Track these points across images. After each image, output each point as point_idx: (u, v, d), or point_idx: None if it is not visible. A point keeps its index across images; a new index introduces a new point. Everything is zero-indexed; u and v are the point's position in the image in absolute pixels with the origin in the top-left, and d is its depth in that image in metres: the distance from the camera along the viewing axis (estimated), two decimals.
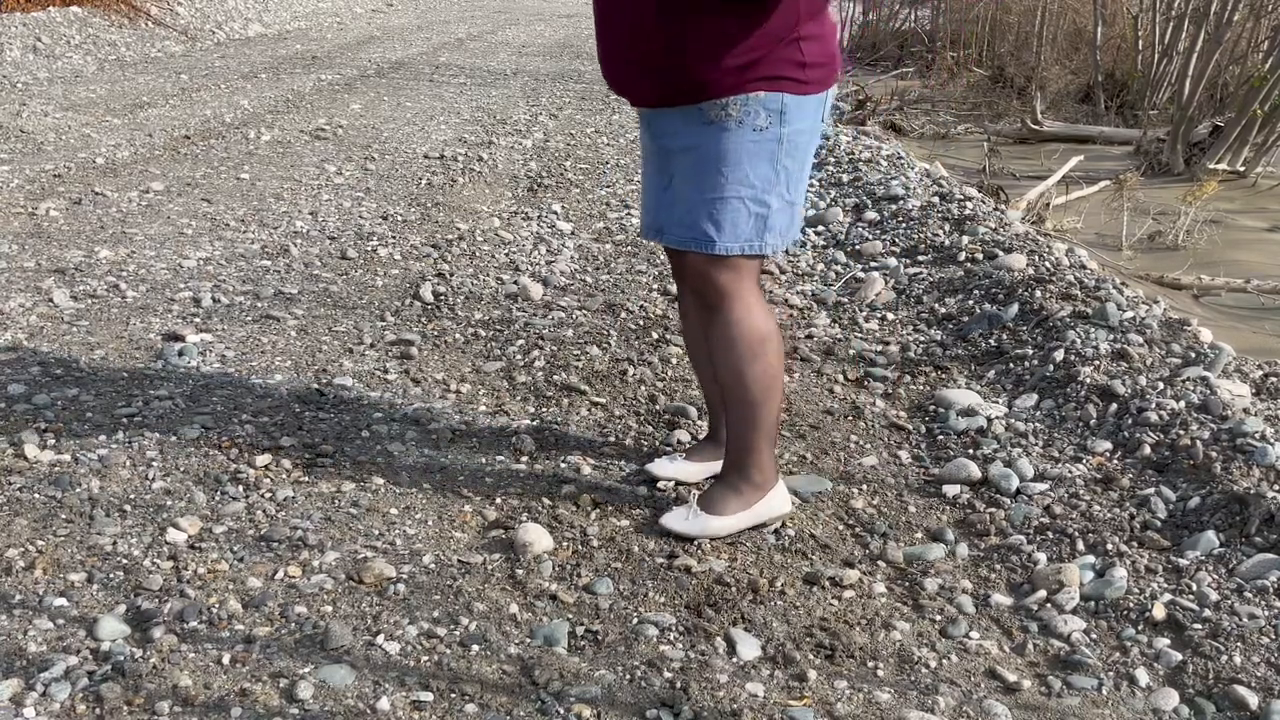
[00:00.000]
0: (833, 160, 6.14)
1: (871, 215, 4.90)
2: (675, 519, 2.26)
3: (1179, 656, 1.94)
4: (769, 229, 2.10)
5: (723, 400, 2.28)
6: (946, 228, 4.58)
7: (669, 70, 2.00)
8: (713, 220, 2.07)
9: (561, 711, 1.73)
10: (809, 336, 3.53)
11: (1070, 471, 2.59)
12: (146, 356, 3.11)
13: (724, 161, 2.04)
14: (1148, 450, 2.63)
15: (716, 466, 2.40)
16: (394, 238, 4.46)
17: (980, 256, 4.13)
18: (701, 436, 2.64)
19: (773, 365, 2.18)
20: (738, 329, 2.14)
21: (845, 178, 5.69)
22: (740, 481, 2.25)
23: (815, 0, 2.00)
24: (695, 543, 2.24)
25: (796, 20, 1.98)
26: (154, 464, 2.48)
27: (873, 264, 4.28)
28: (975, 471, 2.59)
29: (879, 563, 2.24)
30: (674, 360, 3.24)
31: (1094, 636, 2.01)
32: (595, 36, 2.14)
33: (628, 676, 1.83)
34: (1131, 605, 2.08)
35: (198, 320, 3.41)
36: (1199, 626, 2.00)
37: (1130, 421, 2.76)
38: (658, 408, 2.93)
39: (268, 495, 2.37)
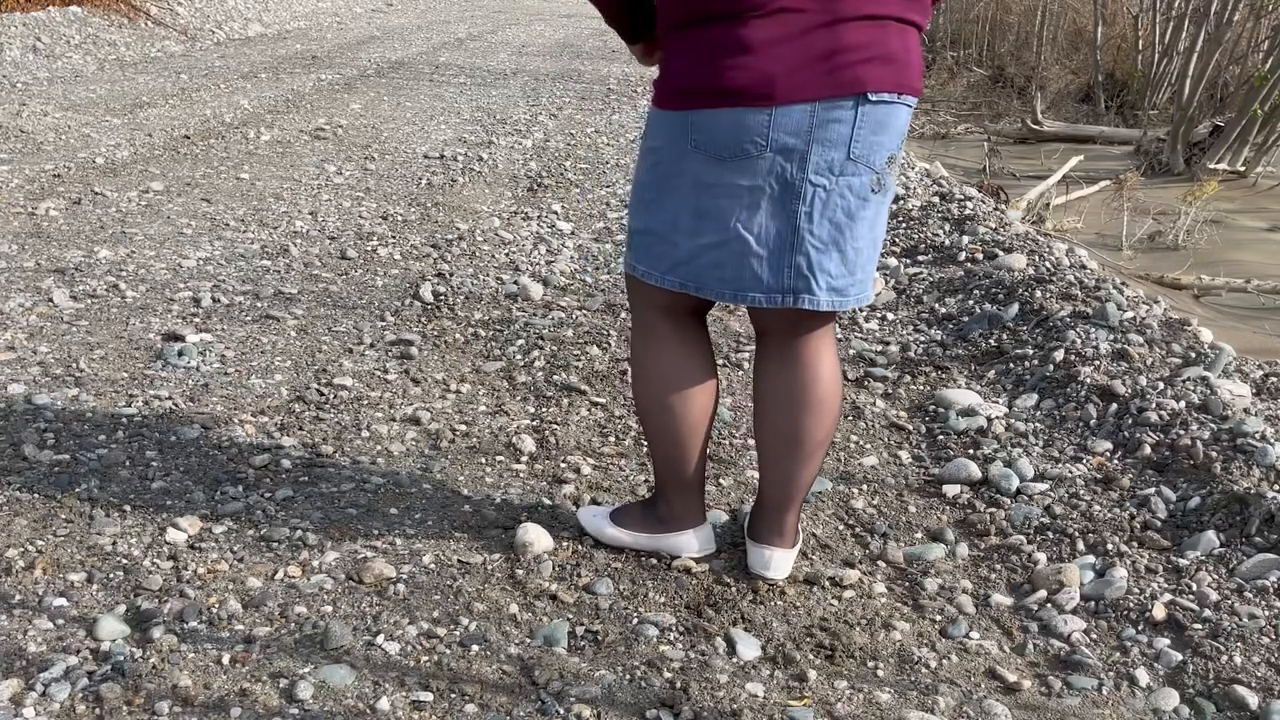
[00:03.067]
0: None
1: None
2: (586, 511, 2.27)
3: (1179, 656, 1.94)
4: (630, 247, 1.99)
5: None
6: (946, 228, 4.58)
7: None
8: None
9: (561, 711, 1.73)
10: None
11: (1070, 471, 2.59)
12: (146, 356, 3.11)
13: None
14: (1148, 450, 2.63)
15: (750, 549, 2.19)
16: (394, 238, 4.46)
17: (980, 256, 4.13)
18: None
19: (657, 408, 2.02)
20: (631, 357, 2.07)
21: None
22: (649, 506, 2.19)
23: (687, 8, 1.77)
24: None
25: (664, 28, 1.84)
26: (154, 464, 2.48)
27: None
28: (975, 471, 2.59)
29: (879, 563, 2.24)
30: None
31: (1094, 636, 2.01)
32: None
33: (628, 676, 1.83)
34: (1131, 605, 2.08)
35: (197, 320, 3.41)
36: (1199, 626, 2.00)
37: (1130, 421, 2.76)
38: None
39: (268, 495, 2.37)
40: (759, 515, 2.12)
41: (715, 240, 1.85)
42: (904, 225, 4.70)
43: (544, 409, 2.89)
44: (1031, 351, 3.23)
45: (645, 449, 2.19)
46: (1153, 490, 2.46)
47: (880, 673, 1.88)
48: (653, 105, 1.90)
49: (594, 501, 2.41)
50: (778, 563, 2.10)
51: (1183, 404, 2.78)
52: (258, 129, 6.56)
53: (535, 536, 2.18)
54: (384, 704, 1.73)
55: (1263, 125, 8.03)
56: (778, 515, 2.09)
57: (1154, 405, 2.78)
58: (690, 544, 2.16)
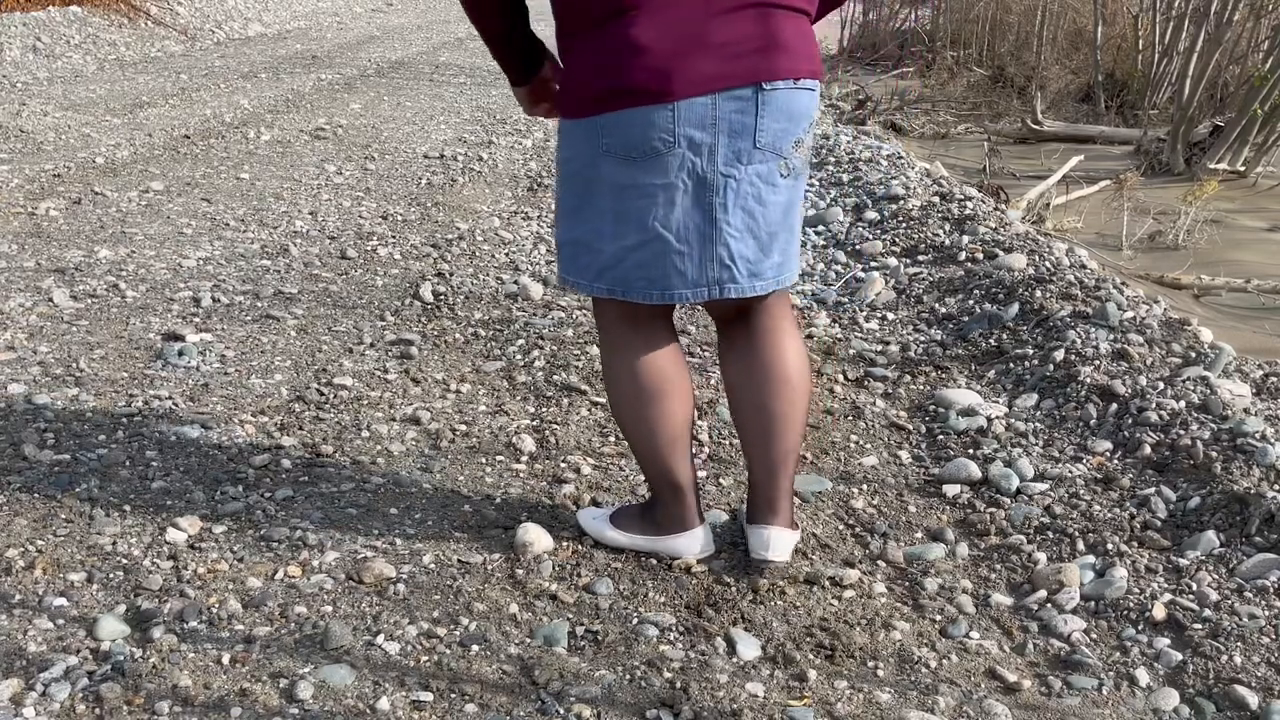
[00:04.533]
0: (833, 160, 6.14)
1: (871, 215, 4.90)
2: (586, 513, 2.27)
3: (1179, 656, 1.94)
4: (560, 259, 1.99)
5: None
6: (946, 228, 4.58)
7: None
8: None
9: (561, 711, 1.73)
10: (809, 336, 3.53)
11: (1070, 471, 2.59)
12: (146, 356, 3.11)
13: None
14: (1148, 450, 2.63)
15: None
16: (394, 237, 4.46)
17: (980, 256, 4.13)
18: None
19: (636, 416, 2.02)
20: (604, 370, 2.06)
21: (845, 177, 5.69)
22: (646, 510, 2.19)
23: (577, 12, 1.80)
24: None
25: (562, 38, 1.87)
26: (154, 464, 2.48)
27: (873, 264, 4.28)
28: (975, 471, 2.59)
29: (879, 563, 2.24)
30: None
31: (1094, 636, 2.01)
32: None
33: (628, 676, 1.83)
34: (1131, 605, 2.08)
35: (197, 320, 3.41)
36: (1199, 626, 2.00)
37: (1130, 421, 2.76)
38: None
39: (268, 495, 2.37)
40: (752, 500, 2.14)
41: (636, 241, 1.87)
42: (904, 225, 4.70)
43: (544, 409, 2.89)
44: (1031, 351, 3.23)
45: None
46: (1153, 490, 2.46)
47: (880, 673, 1.88)
48: (560, 117, 1.92)
49: (594, 502, 2.41)
50: (776, 541, 2.09)
51: (1183, 404, 2.78)
52: (258, 129, 6.56)
53: (535, 536, 2.18)
54: (384, 704, 1.73)
55: (1263, 125, 8.02)
56: (767, 494, 2.10)
57: (1154, 405, 2.78)
58: (689, 546, 2.16)
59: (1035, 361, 3.17)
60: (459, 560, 2.15)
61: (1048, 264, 3.97)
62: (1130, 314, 3.37)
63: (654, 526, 2.16)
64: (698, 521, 2.16)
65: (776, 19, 1.80)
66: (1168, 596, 2.09)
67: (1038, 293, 3.59)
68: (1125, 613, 2.06)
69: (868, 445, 2.79)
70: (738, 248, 1.89)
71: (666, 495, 2.12)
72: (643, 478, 2.52)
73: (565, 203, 1.95)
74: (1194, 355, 3.10)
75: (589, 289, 1.96)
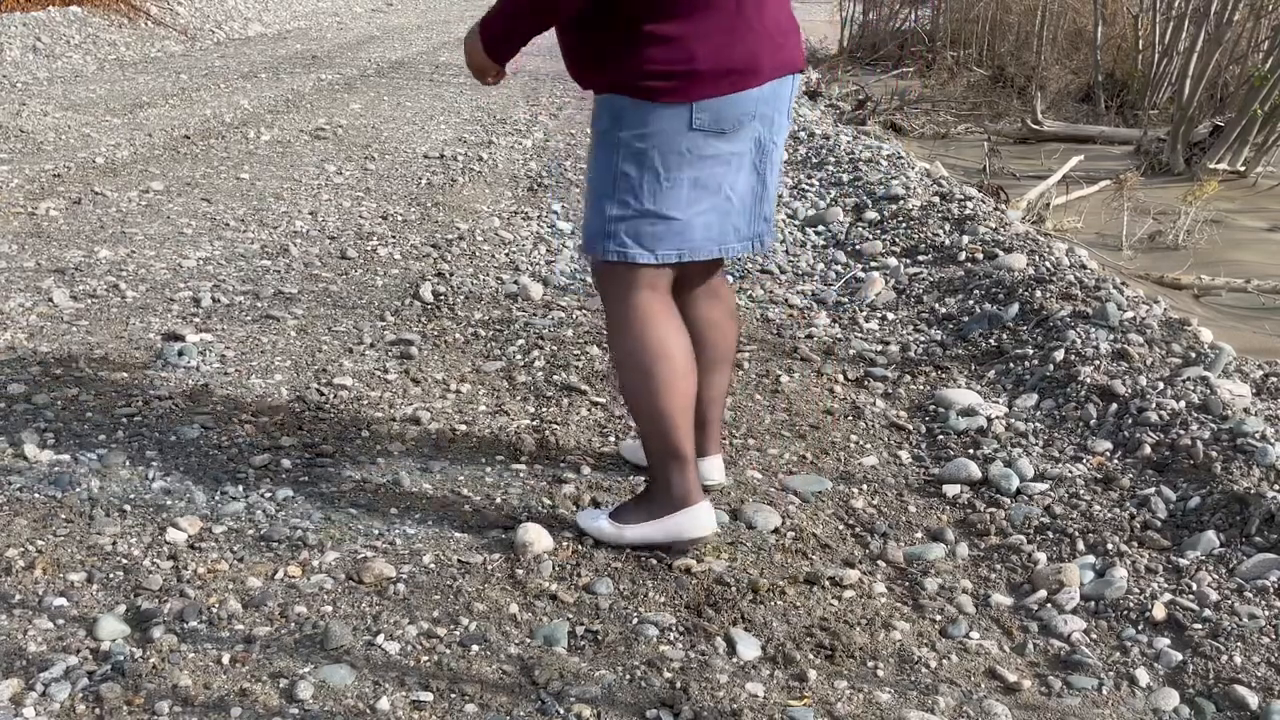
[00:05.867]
0: (833, 160, 6.14)
1: (871, 215, 4.90)
2: (586, 515, 2.27)
3: (1179, 656, 1.94)
4: (607, 235, 2.04)
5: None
6: (946, 228, 4.58)
7: (571, 62, 2.11)
8: (584, 220, 2.15)
9: (561, 711, 1.73)
10: (809, 336, 3.53)
11: (1070, 471, 2.59)
12: (146, 356, 3.11)
13: (588, 162, 2.13)
14: (1148, 450, 2.63)
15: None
16: (394, 237, 4.46)
17: (980, 256, 4.13)
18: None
19: (667, 376, 2.07)
20: (628, 345, 2.08)
21: (845, 178, 5.69)
22: (649, 494, 2.20)
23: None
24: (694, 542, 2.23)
25: (638, 18, 1.92)
26: (154, 464, 2.48)
27: (873, 264, 4.28)
28: (975, 471, 2.59)
29: (879, 563, 2.24)
30: None
31: (1094, 636, 2.01)
32: None
33: (628, 676, 1.83)
34: (1131, 605, 2.08)
35: (198, 320, 3.41)
36: (1199, 626, 2.00)
37: (1130, 421, 2.76)
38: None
39: (268, 495, 2.37)
40: (707, 433, 2.35)
41: (708, 206, 2.07)
42: (904, 225, 4.70)
43: (544, 409, 2.89)
44: (1031, 351, 3.23)
45: (639, 436, 2.19)
46: (1153, 490, 2.46)
47: (880, 673, 1.88)
48: (629, 98, 1.98)
49: (594, 503, 2.40)
50: (721, 467, 2.46)
51: (1183, 404, 2.78)
52: (258, 129, 6.56)
53: (535, 536, 2.18)
54: (384, 704, 1.73)
55: (1263, 125, 8.02)
56: (717, 427, 2.41)
57: (1154, 405, 2.78)
58: (703, 516, 2.16)
59: (1035, 361, 3.17)
60: (459, 560, 2.15)
61: (1048, 264, 3.97)
62: (1130, 314, 3.37)
63: (666, 508, 2.16)
64: (704, 493, 2.20)
65: (789, 9, 2.09)
66: (1168, 596, 2.09)
67: (1038, 293, 3.59)
68: (1125, 613, 2.06)
69: (868, 445, 2.79)
70: (770, 206, 2.20)
71: (676, 468, 2.13)
72: (643, 477, 2.51)
73: (630, 179, 2.02)
74: (1194, 355, 3.10)
75: (656, 257, 2.06)
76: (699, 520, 2.16)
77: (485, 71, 2.14)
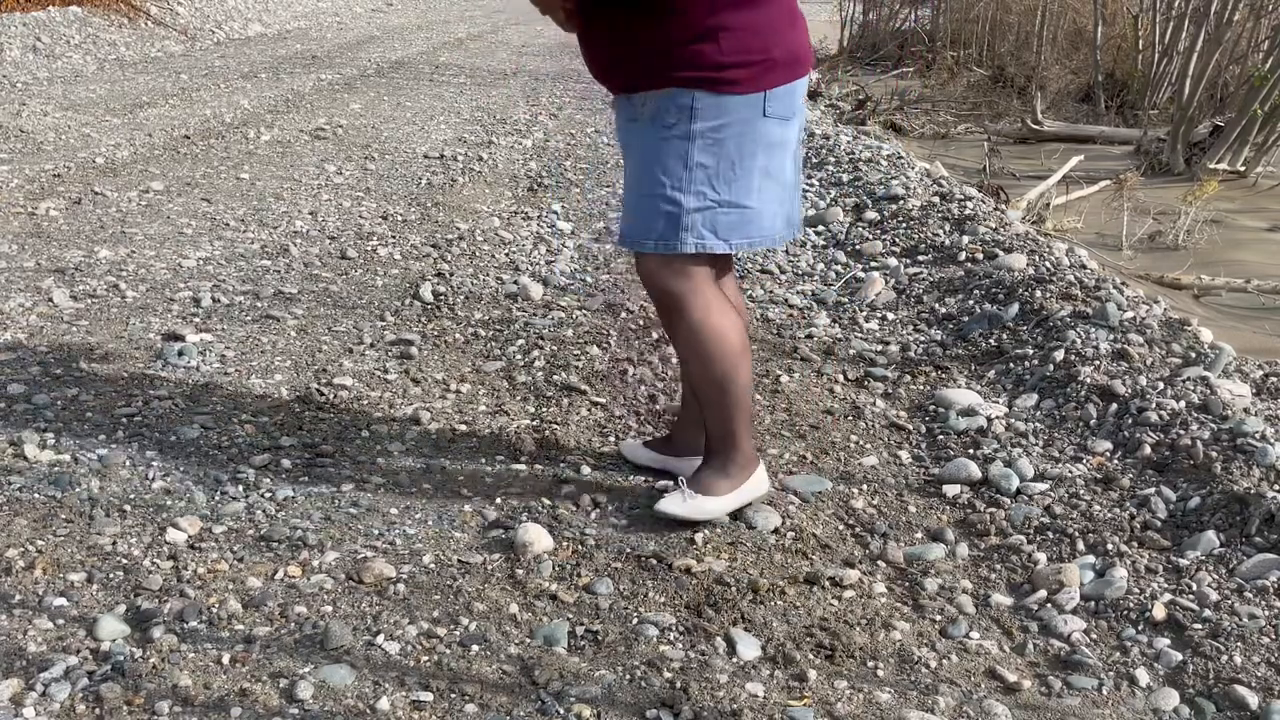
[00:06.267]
0: (833, 160, 6.14)
1: (871, 215, 4.90)
2: (672, 504, 2.26)
3: (1179, 656, 1.94)
4: (684, 228, 2.07)
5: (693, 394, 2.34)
6: (946, 228, 4.58)
7: (610, 59, 2.11)
8: (634, 216, 2.13)
9: (561, 711, 1.73)
10: (809, 336, 3.53)
11: (1070, 471, 2.59)
12: (146, 356, 3.11)
13: (644, 159, 2.10)
14: (1148, 450, 2.63)
15: (661, 464, 2.51)
16: (394, 237, 4.46)
17: (980, 256, 4.13)
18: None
19: (733, 356, 2.18)
20: (697, 336, 2.15)
21: (845, 178, 5.69)
22: (727, 464, 2.28)
23: None
24: (694, 542, 2.23)
25: (711, 9, 1.96)
26: (154, 464, 2.48)
27: (873, 264, 4.28)
28: (975, 471, 2.59)
29: (879, 563, 2.24)
30: (674, 360, 3.23)
31: (1094, 636, 2.01)
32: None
33: (628, 676, 1.83)
34: (1131, 605, 2.08)
35: (197, 320, 3.41)
36: (1199, 626, 2.00)
37: (1130, 421, 2.76)
38: (658, 408, 2.93)
39: (268, 495, 2.37)
40: (688, 432, 2.47)
41: (774, 193, 2.14)
42: (904, 225, 4.70)
43: (544, 409, 2.89)
44: (1031, 351, 3.23)
45: (707, 414, 2.26)
46: (1153, 490, 2.46)
47: (880, 673, 1.88)
48: (703, 91, 2.01)
49: (595, 503, 2.40)
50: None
51: (1183, 404, 2.78)
52: (258, 129, 6.56)
53: (535, 536, 2.18)
54: (384, 704, 1.73)
55: (1263, 125, 8.02)
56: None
57: (1154, 405, 2.78)
58: (763, 472, 2.36)
59: (1035, 361, 3.17)
60: (459, 560, 2.15)
61: (1048, 264, 3.97)
62: (1130, 314, 3.37)
63: (740, 471, 2.28)
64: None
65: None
66: (1168, 596, 2.09)
67: (1038, 293, 3.59)
68: (1125, 613, 2.06)
69: (868, 445, 2.79)
70: (800, 195, 2.31)
71: (745, 432, 2.27)
72: (643, 477, 2.52)
73: (707, 170, 2.06)
74: (1194, 355, 3.10)
75: (730, 246, 2.11)
76: (764, 478, 2.36)
77: (564, 24, 2.15)
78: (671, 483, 2.37)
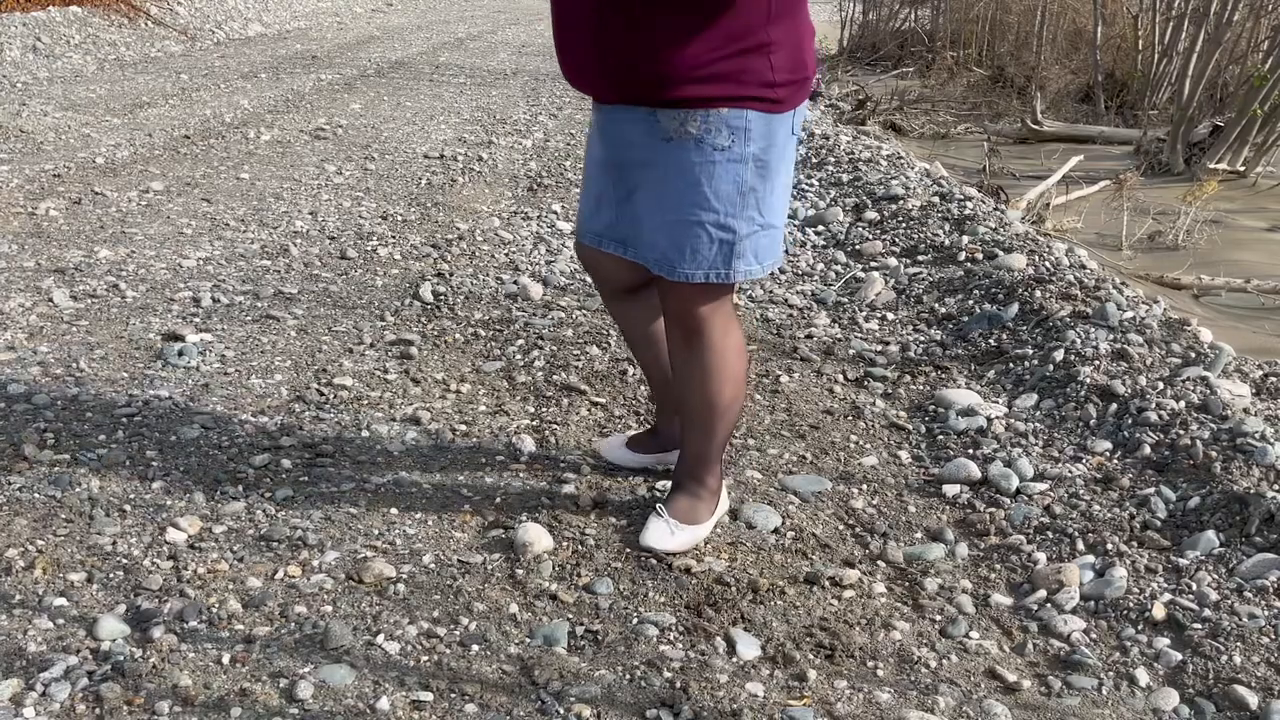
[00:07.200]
0: (833, 160, 6.14)
1: (871, 215, 4.90)
2: (660, 537, 2.18)
3: (1179, 656, 1.94)
4: (737, 255, 1.98)
5: (677, 406, 2.30)
6: (946, 228, 4.58)
7: (631, 64, 1.87)
8: (674, 244, 1.97)
9: (561, 711, 1.73)
10: (809, 336, 3.53)
11: (1070, 471, 2.59)
12: (146, 356, 3.11)
13: (684, 182, 1.93)
14: (1148, 450, 2.63)
15: (655, 460, 2.50)
16: (394, 237, 4.46)
17: (980, 256, 4.13)
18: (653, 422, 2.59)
19: (741, 383, 2.18)
20: (717, 358, 2.10)
21: (845, 178, 5.69)
22: (703, 490, 2.24)
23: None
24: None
25: (765, 20, 1.84)
26: (154, 464, 2.48)
27: (873, 264, 4.28)
28: (975, 471, 2.59)
29: (879, 563, 2.24)
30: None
31: (1094, 636, 2.01)
32: (555, 24, 1.99)
33: (628, 676, 1.83)
34: (1131, 605, 2.08)
35: (197, 320, 3.41)
36: (1199, 626, 2.00)
37: (1130, 421, 2.76)
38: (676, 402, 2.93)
39: (268, 495, 2.37)
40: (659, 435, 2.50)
41: (786, 211, 2.10)
42: (904, 225, 4.70)
43: (544, 409, 2.89)
44: (1031, 351, 3.23)
45: (709, 435, 2.22)
46: (1153, 490, 2.46)
47: (880, 673, 1.88)
48: (754, 111, 1.90)
49: (595, 504, 2.39)
50: None
51: (1182, 404, 2.78)
52: (258, 129, 6.56)
53: (535, 536, 2.18)
54: (384, 704, 1.73)
55: (1263, 125, 8.03)
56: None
57: (1154, 405, 2.78)
58: (724, 488, 2.34)
59: (1035, 361, 3.17)
60: (459, 560, 2.15)
61: (1047, 264, 3.97)
62: (1130, 314, 3.37)
63: (713, 494, 2.27)
64: None
65: None
66: (1168, 596, 2.09)
67: (1037, 293, 3.59)
68: (1125, 613, 2.06)
69: (868, 445, 2.79)
70: None
71: (720, 455, 2.26)
72: (641, 478, 2.51)
73: (757, 194, 1.98)
74: (1194, 355, 3.10)
75: (764, 270, 2.06)
76: (725, 493, 2.34)
77: None
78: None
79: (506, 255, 4.29)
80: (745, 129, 1.90)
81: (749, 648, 1.91)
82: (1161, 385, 2.89)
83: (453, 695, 1.77)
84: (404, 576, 2.08)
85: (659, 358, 2.34)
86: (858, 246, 4.50)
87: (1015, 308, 3.53)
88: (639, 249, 2.07)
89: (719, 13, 1.80)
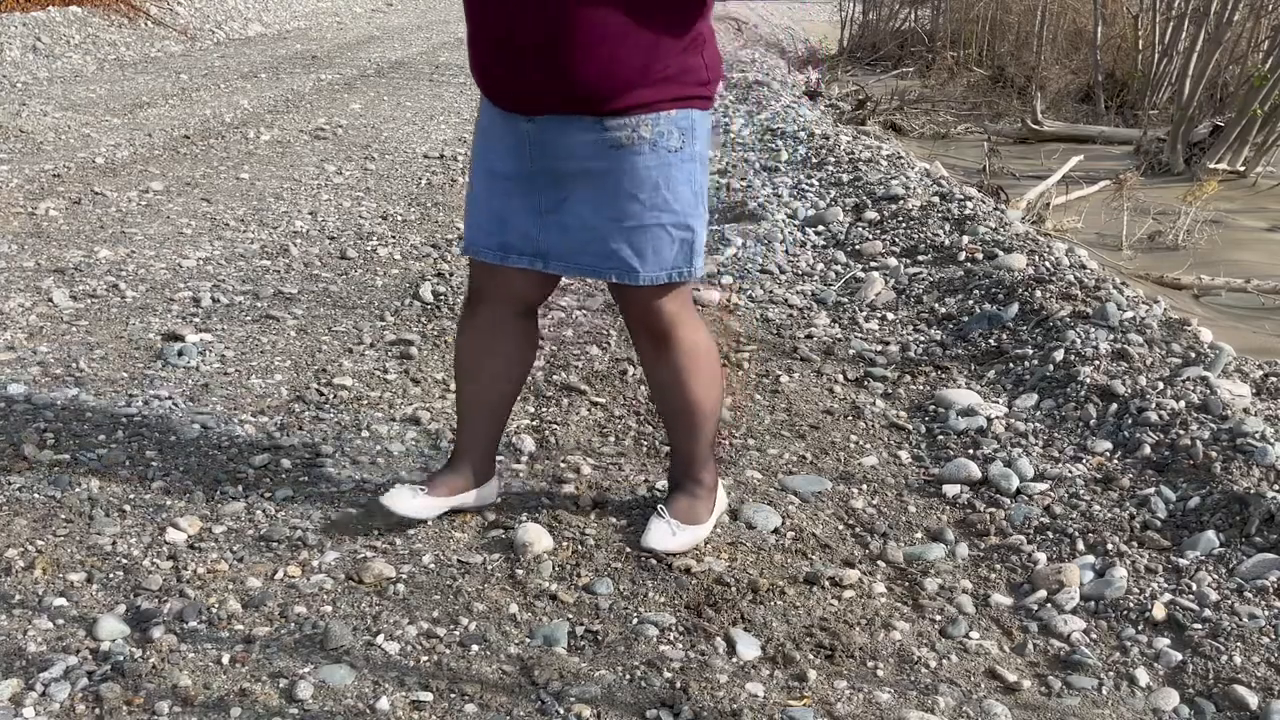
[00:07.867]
0: (833, 160, 6.13)
1: (871, 215, 4.90)
2: (662, 539, 2.17)
3: (1179, 656, 1.94)
4: (696, 253, 2.02)
5: (659, 413, 2.32)
6: (946, 228, 4.58)
7: (581, 76, 1.82)
8: (633, 249, 1.94)
9: (561, 711, 1.73)
10: (809, 336, 3.53)
11: (1070, 471, 2.59)
12: (146, 356, 3.11)
13: (640, 187, 1.91)
14: (1148, 450, 2.63)
15: (460, 500, 2.25)
16: (394, 237, 4.46)
17: (980, 256, 4.13)
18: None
19: (719, 378, 2.19)
20: (692, 357, 2.11)
21: (845, 178, 5.69)
22: (700, 488, 2.25)
23: None
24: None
25: (701, 14, 1.89)
26: (154, 464, 2.48)
27: (873, 264, 4.28)
28: (975, 471, 2.59)
29: (879, 563, 2.24)
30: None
31: (1094, 636, 2.01)
32: (476, 29, 1.91)
33: (628, 676, 1.83)
34: (1131, 605, 2.08)
35: (197, 320, 3.41)
36: (1199, 626, 2.00)
37: (1130, 421, 2.76)
38: (657, 407, 2.93)
39: (267, 495, 2.37)
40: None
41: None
42: (904, 225, 4.70)
43: (544, 409, 2.89)
44: (1031, 351, 3.23)
45: (698, 436, 2.22)
46: (1153, 490, 2.46)
47: (880, 673, 1.88)
48: (696, 110, 1.95)
49: (594, 503, 2.39)
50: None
51: (1183, 404, 2.78)
52: (258, 129, 6.56)
53: (535, 536, 2.18)
54: (384, 704, 1.73)
55: (1263, 125, 8.03)
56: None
57: (1154, 405, 2.78)
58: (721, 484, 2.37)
59: (1035, 361, 3.17)
60: (459, 560, 2.15)
61: (1047, 264, 3.97)
62: (1130, 314, 3.37)
63: (711, 491, 2.27)
64: None
65: None
66: (1168, 596, 2.09)
67: (1038, 293, 3.59)
68: (1125, 613, 2.06)
69: (868, 445, 2.79)
70: None
71: (711, 452, 2.26)
72: (643, 477, 2.52)
73: (700, 196, 2.01)
74: (1194, 355, 3.10)
75: (703, 268, 2.07)
76: (722, 489, 2.35)
77: None
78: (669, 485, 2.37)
79: None
80: (691, 128, 1.95)
81: (749, 648, 1.91)
82: (1162, 385, 2.89)
83: (453, 695, 1.76)
84: (404, 576, 2.08)
85: (492, 389, 2.23)
86: (858, 246, 4.50)
87: (1015, 308, 3.53)
88: (574, 261, 2.00)
89: (695, 16, 1.88)
